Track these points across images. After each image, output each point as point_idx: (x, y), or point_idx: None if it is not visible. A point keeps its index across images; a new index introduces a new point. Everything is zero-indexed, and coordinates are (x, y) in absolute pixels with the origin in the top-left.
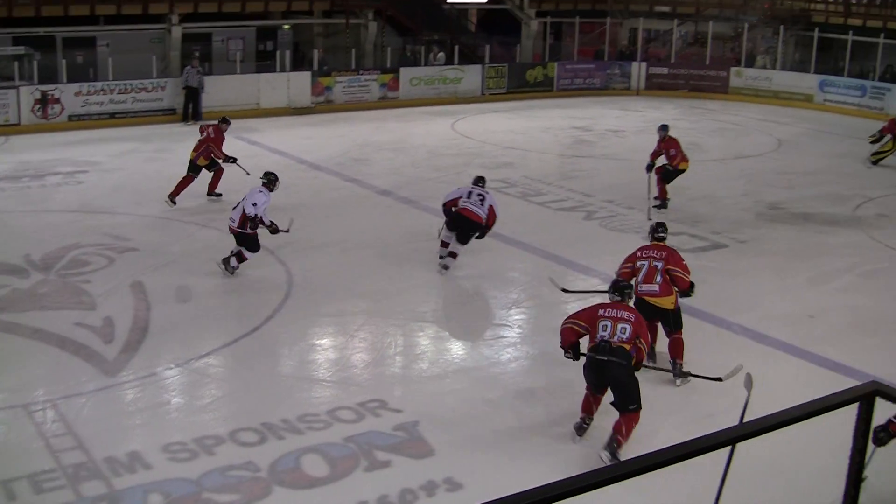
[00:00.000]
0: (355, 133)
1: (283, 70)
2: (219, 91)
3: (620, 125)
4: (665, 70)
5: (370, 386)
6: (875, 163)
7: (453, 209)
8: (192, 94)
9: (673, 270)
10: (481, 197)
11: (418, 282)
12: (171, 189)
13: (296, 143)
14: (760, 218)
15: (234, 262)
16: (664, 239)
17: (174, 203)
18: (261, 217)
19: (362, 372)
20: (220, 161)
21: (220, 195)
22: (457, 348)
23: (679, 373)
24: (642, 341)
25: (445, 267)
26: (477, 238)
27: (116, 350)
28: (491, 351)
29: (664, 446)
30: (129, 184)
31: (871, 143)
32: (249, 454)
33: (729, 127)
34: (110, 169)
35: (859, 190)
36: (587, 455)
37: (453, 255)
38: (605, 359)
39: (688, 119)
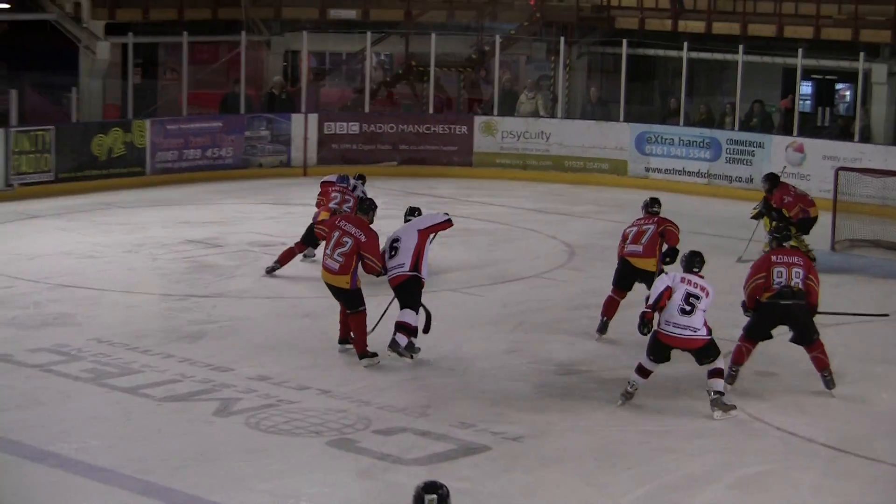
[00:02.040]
0: None
1: None
2: None
3: (276, 233)
4: (355, 126)
5: None
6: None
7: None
8: None
9: (668, 227)
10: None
11: None
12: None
13: None
14: (544, 394)
15: (407, 341)
16: (658, 213)
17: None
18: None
19: None
20: None
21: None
22: None
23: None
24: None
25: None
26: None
27: None
28: None
29: None
30: None
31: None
32: None
33: (480, 227)
34: None
35: None
36: None
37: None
38: (791, 302)
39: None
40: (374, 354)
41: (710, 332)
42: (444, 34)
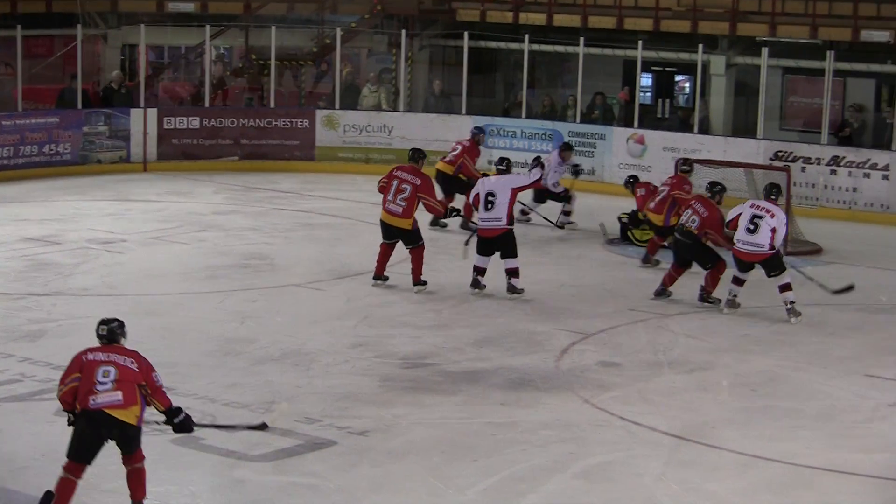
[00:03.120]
0: None
1: None
2: None
3: (116, 230)
4: (195, 121)
5: None
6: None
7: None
8: None
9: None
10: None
11: None
12: None
13: None
14: (389, 387)
15: (517, 283)
16: (686, 171)
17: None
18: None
19: None
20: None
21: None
22: None
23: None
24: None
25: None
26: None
27: None
28: None
29: None
30: None
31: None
32: None
33: (323, 222)
34: None
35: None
36: None
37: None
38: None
39: (244, 212)
40: (425, 283)
41: (773, 248)
42: (284, 27)
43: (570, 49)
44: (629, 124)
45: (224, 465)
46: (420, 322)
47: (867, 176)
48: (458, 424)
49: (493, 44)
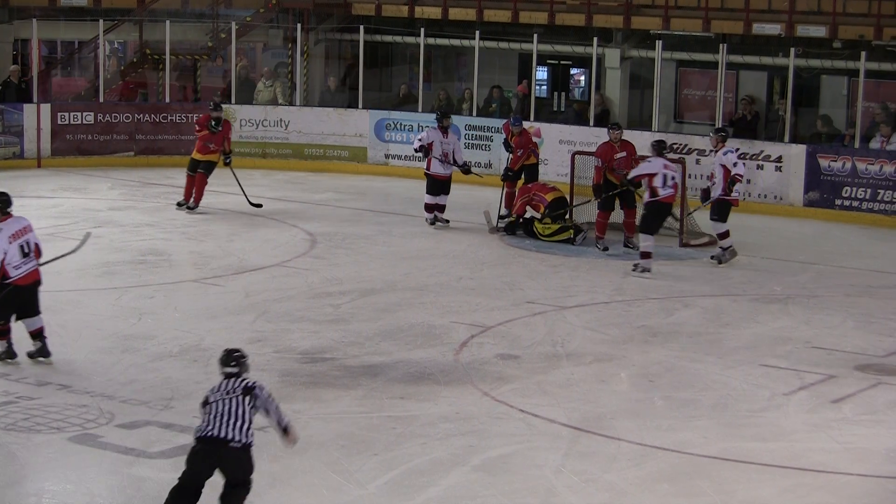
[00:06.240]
0: None
1: None
2: None
3: None
4: (90, 116)
5: None
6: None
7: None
8: None
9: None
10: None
11: None
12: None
13: None
14: (288, 382)
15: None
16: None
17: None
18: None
19: None
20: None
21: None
22: None
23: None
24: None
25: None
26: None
27: None
28: None
29: None
30: None
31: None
32: None
33: (219, 217)
34: None
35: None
36: None
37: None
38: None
39: (140, 207)
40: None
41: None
42: (178, 21)
43: (465, 43)
44: (526, 117)
45: (122, 463)
46: (318, 317)
47: (760, 167)
48: (358, 418)
49: (388, 38)
